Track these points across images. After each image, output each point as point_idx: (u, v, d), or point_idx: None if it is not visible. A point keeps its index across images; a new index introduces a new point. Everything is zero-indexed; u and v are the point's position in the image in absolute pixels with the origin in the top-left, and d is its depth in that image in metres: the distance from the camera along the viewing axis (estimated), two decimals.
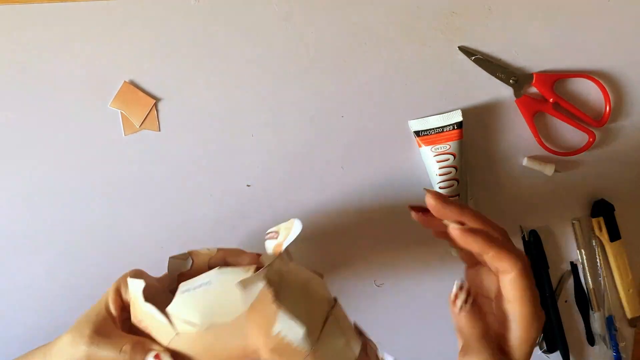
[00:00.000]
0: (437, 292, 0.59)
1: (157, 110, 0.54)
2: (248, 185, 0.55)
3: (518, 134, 0.58)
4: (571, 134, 0.58)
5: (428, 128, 0.55)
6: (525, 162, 0.58)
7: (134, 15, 0.52)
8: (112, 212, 0.54)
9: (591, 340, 0.62)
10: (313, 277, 0.40)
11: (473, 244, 0.37)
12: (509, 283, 0.37)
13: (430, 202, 0.39)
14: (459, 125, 0.55)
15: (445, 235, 0.39)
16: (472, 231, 0.37)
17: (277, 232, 0.41)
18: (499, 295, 0.38)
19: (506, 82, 0.56)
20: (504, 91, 0.57)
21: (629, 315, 0.61)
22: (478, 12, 0.56)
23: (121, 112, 0.53)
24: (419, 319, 0.59)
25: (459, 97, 0.57)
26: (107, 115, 0.53)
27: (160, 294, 0.41)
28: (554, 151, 0.58)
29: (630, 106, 0.59)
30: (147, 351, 0.37)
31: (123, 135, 0.53)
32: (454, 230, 0.38)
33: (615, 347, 0.61)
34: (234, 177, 0.55)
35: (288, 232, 0.41)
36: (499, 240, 0.37)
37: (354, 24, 0.55)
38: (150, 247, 0.54)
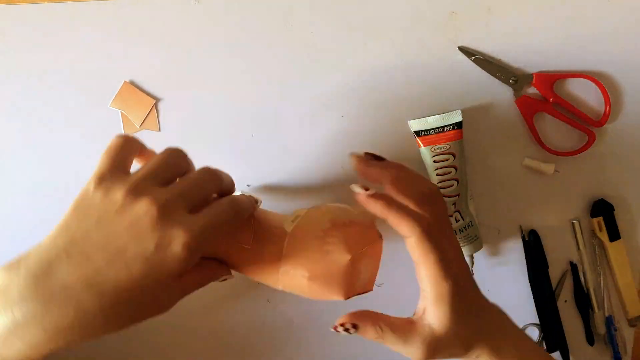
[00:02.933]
0: None
1: (157, 110, 0.54)
2: (248, 185, 0.55)
3: (518, 134, 0.58)
4: (571, 134, 0.58)
5: (428, 128, 0.55)
6: (525, 162, 0.58)
7: (134, 15, 0.52)
8: None
9: (591, 340, 0.62)
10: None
11: (375, 209, 0.38)
12: (411, 247, 0.38)
13: (354, 164, 0.41)
14: (459, 125, 0.55)
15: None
16: (374, 196, 0.38)
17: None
18: None
19: (506, 82, 0.56)
20: (503, 91, 0.57)
21: (628, 315, 0.61)
22: (478, 12, 0.56)
23: (121, 112, 0.53)
24: None
25: (459, 97, 0.57)
26: (107, 115, 0.53)
27: None
28: (554, 151, 0.58)
29: (630, 106, 0.59)
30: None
31: None
32: (358, 195, 0.39)
33: (615, 347, 0.61)
34: (234, 177, 0.55)
35: None
36: (399, 205, 0.38)
37: (354, 24, 0.55)
38: None
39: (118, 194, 0.35)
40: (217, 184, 0.40)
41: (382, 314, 0.41)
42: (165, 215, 0.34)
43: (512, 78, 0.56)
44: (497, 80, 0.56)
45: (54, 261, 0.34)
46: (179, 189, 0.36)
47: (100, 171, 0.36)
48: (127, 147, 0.39)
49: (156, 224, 0.34)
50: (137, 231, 0.34)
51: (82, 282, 0.33)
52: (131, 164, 0.39)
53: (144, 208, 0.34)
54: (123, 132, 0.42)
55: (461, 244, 0.56)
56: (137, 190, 0.35)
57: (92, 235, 0.34)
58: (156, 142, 0.54)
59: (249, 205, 0.41)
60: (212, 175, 0.40)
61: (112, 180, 0.36)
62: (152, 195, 0.35)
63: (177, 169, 0.39)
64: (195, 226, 0.35)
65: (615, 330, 0.61)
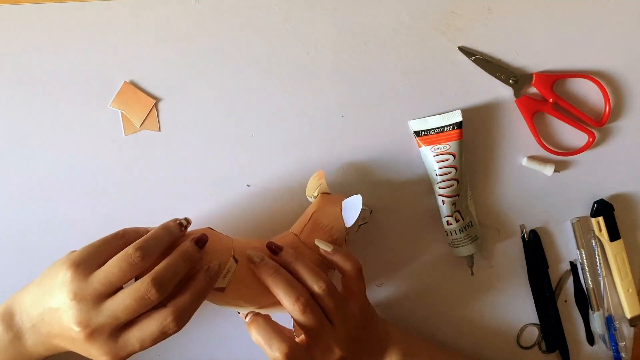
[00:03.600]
0: (437, 291, 0.59)
1: (157, 110, 0.54)
2: (248, 185, 0.55)
3: (518, 134, 0.58)
4: (571, 134, 0.58)
5: (428, 128, 0.55)
6: (525, 162, 0.58)
7: (134, 15, 0.52)
8: (112, 212, 0.54)
9: (591, 340, 0.62)
10: None
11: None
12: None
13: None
14: (459, 125, 0.55)
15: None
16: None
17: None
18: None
19: (506, 82, 0.56)
20: (503, 91, 0.57)
21: (628, 315, 0.61)
22: (478, 12, 0.56)
23: (121, 112, 0.53)
24: (419, 319, 0.59)
25: (459, 97, 0.57)
26: (107, 115, 0.53)
27: None
28: (554, 151, 0.58)
29: (630, 106, 0.59)
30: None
31: (123, 135, 0.53)
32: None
33: (615, 347, 0.61)
34: (234, 177, 0.55)
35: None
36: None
37: (354, 24, 0.55)
38: None
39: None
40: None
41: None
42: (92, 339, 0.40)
43: (512, 78, 0.56)
44: (497, 80, 0.56)
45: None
46: (112, 309, 0.40)
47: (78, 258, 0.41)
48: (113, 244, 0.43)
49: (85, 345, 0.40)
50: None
51: None
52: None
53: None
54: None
55: (461, 244, 0.56)
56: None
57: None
58: (156, 142, 0.54)
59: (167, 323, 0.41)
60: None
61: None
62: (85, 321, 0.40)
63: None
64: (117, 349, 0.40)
65: (615, 330, 0.61)
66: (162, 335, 0.40)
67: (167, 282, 0.40)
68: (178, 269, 0.41)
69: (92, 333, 0.39)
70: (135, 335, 0.40)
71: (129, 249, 0.40)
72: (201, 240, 0.44)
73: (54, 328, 0.40)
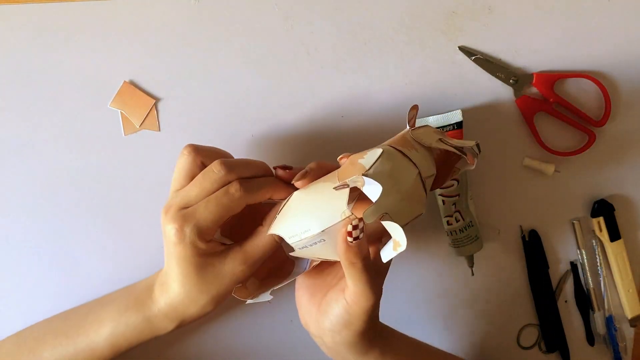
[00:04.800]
0: (437, 291, 0.59)
1: (157, 110, 0.54)
2: None
3: (518, 134, 0.58)
4: (571, 134, 0.58)
5: None
6: (525, 162, 0.58)
7: (134, 15, 0.52)
8: (112, 212, 0.54)
9: (591, 340, 0.62)
10: None
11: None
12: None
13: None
14: (459, 125, 0.55)
15: None
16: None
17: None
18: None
19: (506, 82, 0.56)
20: (504, 91, 0.57)
21: (629, 315, 0.61)
22: (478, 12, 0.56)
23: (121, 112, 0.53)
24: (419, 319, 0.59)
25: (459, 97, 0.57)
26: (107, 115, 0.53)
27: None
28: (554, 151, 0.57)
29: (630, 106, 0.59)
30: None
31: (123, 135, 0.53)
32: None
33: (615, 347, 0.61)
34: None
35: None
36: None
37: (354, 24, 0.55)
38: (150, 247, 0.54)
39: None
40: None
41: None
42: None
43: (513, 78, 0.56)
44: (497, 80, 0.56)
45: None
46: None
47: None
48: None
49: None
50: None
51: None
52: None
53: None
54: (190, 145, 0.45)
55: (461, 244, 0.56)
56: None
57: None
58: (156, 141, 0.54)
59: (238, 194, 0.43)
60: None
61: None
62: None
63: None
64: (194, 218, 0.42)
65: (616, 330, 0.61)
66: (225, 195, 0.42)
67: (237, 166, 0.43)
68: (254, 162, 0.45)
69: (167, 209, 0.42)
70: (202, 204, 0.41)
71: (215, 165, 0.43)
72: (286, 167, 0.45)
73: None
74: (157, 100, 0.53)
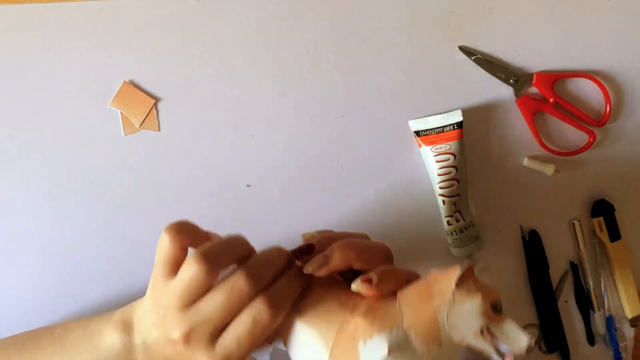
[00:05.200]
0: None
1: (157, 110, 0.54)
2: (248, 185, 0.55)
3: (518, 134, 0.58)
4: (571, 134, 0.58)
5: (428, 128, 0.55)
6: (525, 162, 0.58)
7: (134, 15, 0.52)
8: (112, 212, 0.54)
9: (591, 340, 0.62)
10: None
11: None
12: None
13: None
14: (459, 125, 0.55)
15: None
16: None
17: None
18: None
19: (506, 82, 0.56)
20: (504, 91, 0.57)
21: (629, 315, 0.61)
22: (478, 12, 0.56)
23: (121, 112, 0.53)
24: None
25: (459, 97, 0.57)
26: (107, 115, 0.53)
27: None
28: (554, 151, 0.57)
29: (630, 106, 0.59)
30: None
31: (123, 135, 0.53)
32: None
33: (616, 347, 0.61)
34: (234, 177, 0.55)
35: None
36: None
37: (354, 24, 0.55)
38: (150, 247, 0.54)
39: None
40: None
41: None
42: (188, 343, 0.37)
43: (513, 78, 0.56)
44: (497, 80, 0.56)
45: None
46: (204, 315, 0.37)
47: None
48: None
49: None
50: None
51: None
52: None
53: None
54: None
55: (462, 244, 0.56)
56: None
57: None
58: (156, 141, 0.54)
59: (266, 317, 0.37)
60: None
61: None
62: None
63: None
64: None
65: (616, 330, 0.61)
66: (255, 324, 0.36)
67: (260, 271, 0.37)
68: (272, 259, 0.38)
69: (188, 337, 0.36)
70: (230, 334, 0.37)
71: (239, 279, 0.36)
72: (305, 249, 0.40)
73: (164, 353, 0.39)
74: (157, 100, 0.53)
